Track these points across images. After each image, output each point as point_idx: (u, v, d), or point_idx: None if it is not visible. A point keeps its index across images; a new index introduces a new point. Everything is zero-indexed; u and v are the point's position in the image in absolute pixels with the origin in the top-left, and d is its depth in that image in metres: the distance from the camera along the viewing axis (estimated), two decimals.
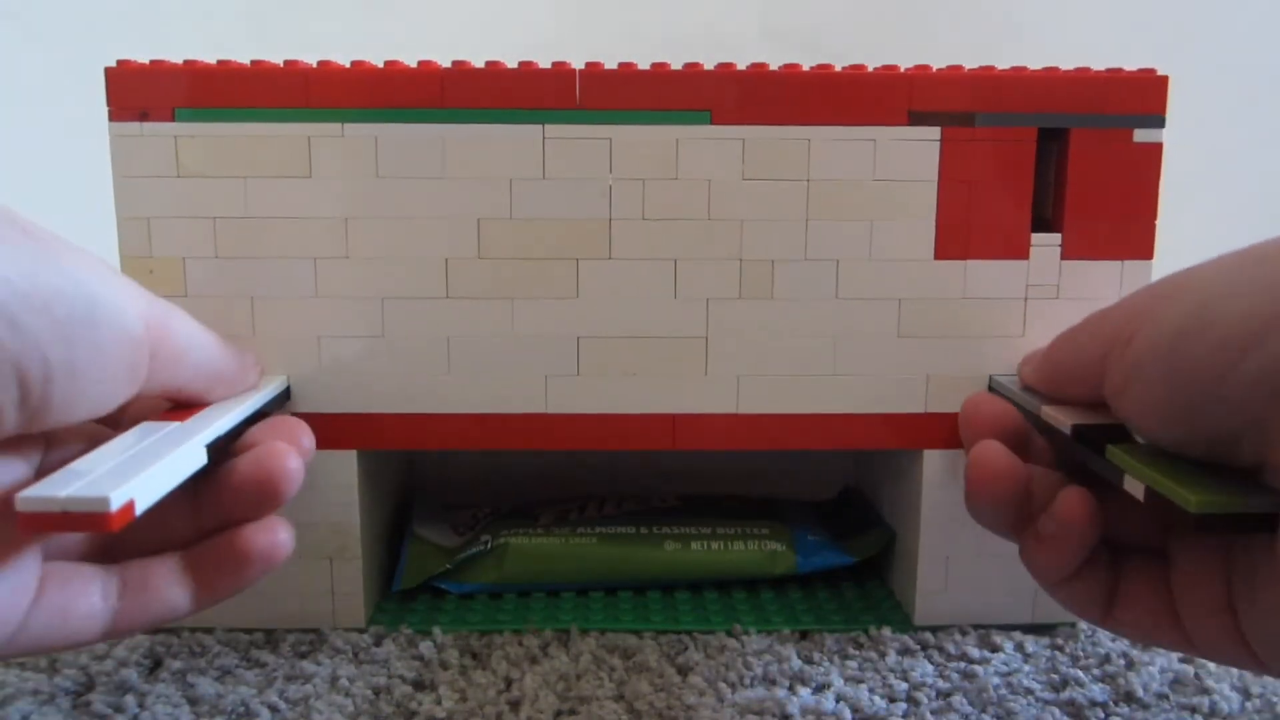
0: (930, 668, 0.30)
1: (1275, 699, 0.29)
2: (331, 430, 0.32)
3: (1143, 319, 0.23)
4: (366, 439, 0.32)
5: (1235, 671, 0.30)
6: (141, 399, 0.26)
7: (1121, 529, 0.25)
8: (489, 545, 0.36)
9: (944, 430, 0.32)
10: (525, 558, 0.36)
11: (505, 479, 0.43)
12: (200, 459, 0.25)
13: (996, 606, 0.33)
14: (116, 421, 0.28)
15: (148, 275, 0.31)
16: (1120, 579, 0.25)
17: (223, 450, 0.27)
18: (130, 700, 0.28)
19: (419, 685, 0.29)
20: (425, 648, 0.31)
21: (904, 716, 0.28)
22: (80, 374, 0.22)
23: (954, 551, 0.33)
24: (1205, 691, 0.29)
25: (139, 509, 0.22)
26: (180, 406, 0.28)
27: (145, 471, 0.22)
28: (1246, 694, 0.29)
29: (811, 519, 0.40)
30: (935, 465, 0.33)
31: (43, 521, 0.21)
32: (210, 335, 0.28)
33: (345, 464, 0.32)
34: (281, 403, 0.31)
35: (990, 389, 0.32)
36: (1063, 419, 0.26)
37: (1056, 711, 0.28)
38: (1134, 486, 0.22)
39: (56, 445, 0.25)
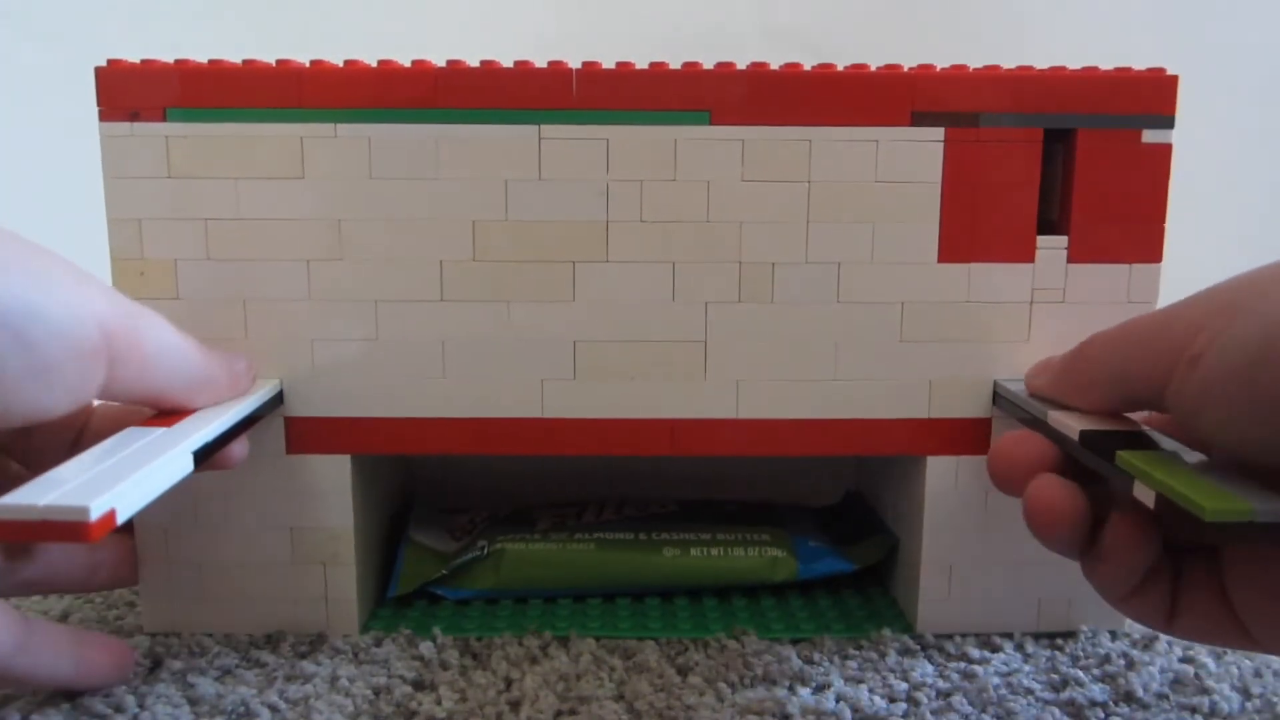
0: (930, 668, 0.32)
1: (1275, 699, 0.30)
2: (325, 434, 0.33)
3: (1207, 335, 0.22)
4: (360, 443, 0.33)
5: (1235, 671, 0.32)
6: (123, 406, 0.26)
7: (1178, 531, 0.26)
8: (485, 551, 0.37)
9: (948, 436, 0.34)
10: (522, 564, 0.37)
11: (502, 484, 0.45)
12: (186, 466, 0.26)
13: (1000, 615, 0.35)
14: (80, 426, 0.29)
15: (139, 277, 0.32)
16: (1180, 585, 0.26)
17: (210, 456, 0.27)
18: (130, 700, 0.29)
19: (419, 685, 0.31)
20: (425, 648, 0.33)
21: (904, 716, 0.29)
22: (8, 383, 0.22)
23: (957, 559, 0.34)
24: (1205, 691, 0.30)
25: (120, 518, 0.22)
26: (166, 413, 0.28)
27: (127, 480, 0.23)
28: (1246, 694, 0.30)
29: (813, 525, 0.42)
30: (938, 471, 0.34)
31: (19, 530, 0.21)
32: (189, 342, 0.29)
33: (339, 469, 0.33)
34: (274, 407, 0.32)
35: (995, 396, 0.33)
36: (1071, 424, 0.27)
37: (1056, 711, 0.29)
38: (1144, 494, 0.23)
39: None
